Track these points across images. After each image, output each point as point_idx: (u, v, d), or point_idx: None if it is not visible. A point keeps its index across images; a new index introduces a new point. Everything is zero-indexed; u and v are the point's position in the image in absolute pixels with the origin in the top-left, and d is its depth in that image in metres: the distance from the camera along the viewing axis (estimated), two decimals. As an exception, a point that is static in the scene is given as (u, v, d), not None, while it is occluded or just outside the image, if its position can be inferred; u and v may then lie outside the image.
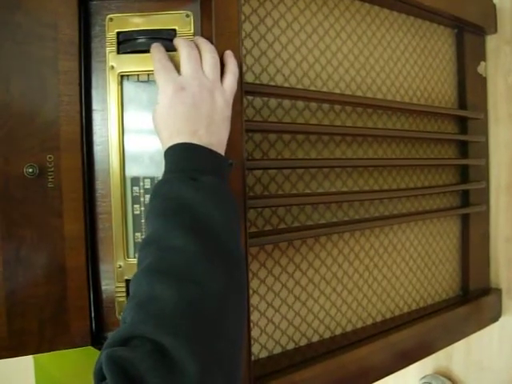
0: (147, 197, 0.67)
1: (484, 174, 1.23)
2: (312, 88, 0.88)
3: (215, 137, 0.59)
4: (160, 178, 0.59)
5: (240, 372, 0.50)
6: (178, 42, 0.64)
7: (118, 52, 0.67)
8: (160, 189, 0.56)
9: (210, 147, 0.58)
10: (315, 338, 0.89)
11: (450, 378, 1.33)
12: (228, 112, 0.62)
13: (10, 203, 0.62)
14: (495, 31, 1.25)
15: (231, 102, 0.63)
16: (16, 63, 0.63)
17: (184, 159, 0.57)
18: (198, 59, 0.61)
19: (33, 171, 0.62)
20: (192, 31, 0.68)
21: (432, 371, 1.37)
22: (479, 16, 1.19)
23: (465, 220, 1.20)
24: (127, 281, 0.67)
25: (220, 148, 0.60)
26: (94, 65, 0.68)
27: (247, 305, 0.69)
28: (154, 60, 0.62)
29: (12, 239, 0.63)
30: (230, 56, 0.65)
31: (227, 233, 0.53)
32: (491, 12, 1.24)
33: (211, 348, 0.45)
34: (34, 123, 0.63)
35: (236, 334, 0.50)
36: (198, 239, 0.50)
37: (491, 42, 1.27)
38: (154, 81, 0.66)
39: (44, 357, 0.87)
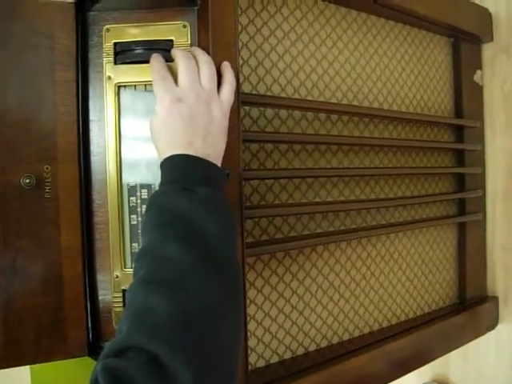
0: (144, 207, 0.67)
1: (480, 183, 1.23)
2: (309, 97, 0.88)
3: (211, 148, 0.60)
4: (156, 189, 0.59)
5: (235, 381, 0.50)
6: (175, 52, 0.64)
7: (115, 62, 0.68)
8: (155, 200, 0.56)
9: (206, 158, 0.58)
10: (312, 347, 0.89)
11: (447, 387, 1.33)
12: (225, 123, 0.63)
13: (6, 213, 0.62)
14: (491, 40, 1.26)
15: (228, 112, 0.64)
16: (12, 73, 0.63)
17: (179, 170, 0.57)
18: (195, 70, 0.62)
19: (30, 182, 0.63)
20: (189, 42, 0.68)
21: (429, 379, 1.36)
22: (475, 25, 1.20)
23: (461, 228, 1.20)
24: (124, 291, 0.67)
25: (216, 159, 0.60)
26: (92, 75, 0.68)
27: (244, 314, 0.69)
28: (152, 70, 0.62)
29: (9, 249, 0.63)
30: (226, 67, 0.66)
31: (221, 243, 0.53)
32: (487, 21, 1.24)
33: (206, 357, 0.45)
34: (30, 133, 0.64)
35: (231, 343, 0.50)
36: (191, 250, 0.50)
37: (487, 50, 1.27)
38: (151, 91, 0.66)
39: (40, 366, 0.87)
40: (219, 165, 0.61)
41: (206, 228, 0.52)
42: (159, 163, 0.60)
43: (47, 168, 0.64)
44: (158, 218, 0.54)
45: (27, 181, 0.62)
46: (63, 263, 0.65)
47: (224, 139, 0.63)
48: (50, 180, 0.64)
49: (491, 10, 1.26)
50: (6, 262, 0.63)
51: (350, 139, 0.94)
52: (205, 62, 0.63)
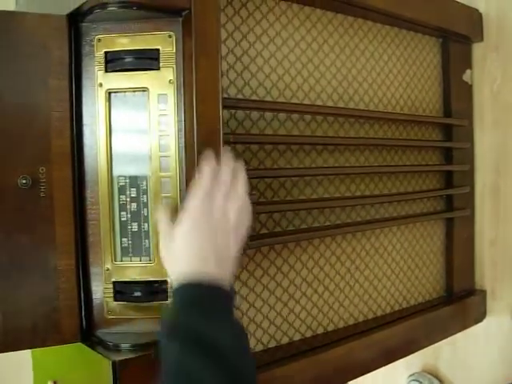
0: (133, 205, 0.73)
1: (468, 179, 1.26)
2: (294, 99, 0.92)
3: (223, 270, 0.62)
4: (144, 188, 0.68)
5: None
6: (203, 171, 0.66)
7: (106, 70, 0.73)
8: (178, 327, 0.57)
9: (220, 281, 0.60)
10: (297, 337, 0.94)
11: (436, 377, 1.37)
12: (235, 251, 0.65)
13: (5, 212, 0.68)
14: (481, 39, 1.28)
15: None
16: (9, 81, 0.69)
17: (196, 300, 0.59)
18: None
19: (26, 182, 0.68)
20: (174, 51, 0.73)
21: (419, 369, 1.41)
22: (465, 25, 1.23)
23: (449, 223, 1.24)
24: (114, 282, 0.73)
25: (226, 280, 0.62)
26: (84, 82, 0.73)
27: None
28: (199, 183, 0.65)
29: (7, 244, 0.69)
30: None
31: (239, 358, 0.56)
32: (477, 21, 1.27)
33: None
34: (26, 138, 0.69)
35: None
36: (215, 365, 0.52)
37: (478, 49, 1.30)
38: (139, 96, 0.72)
39: (40, 351, 0.93)
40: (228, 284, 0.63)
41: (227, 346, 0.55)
42: (174, 279, 0.62)
43: (42, 169, 0.70)
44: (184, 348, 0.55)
45: (24, 181, 0.68)
46: (58, 257, 0.71)
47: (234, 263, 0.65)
48: (45, 180, 0.70)
49: (482, 9, 1.28)
50: (5, 256, 0.69)
51: (334, 139, 0.98)
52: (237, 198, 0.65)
